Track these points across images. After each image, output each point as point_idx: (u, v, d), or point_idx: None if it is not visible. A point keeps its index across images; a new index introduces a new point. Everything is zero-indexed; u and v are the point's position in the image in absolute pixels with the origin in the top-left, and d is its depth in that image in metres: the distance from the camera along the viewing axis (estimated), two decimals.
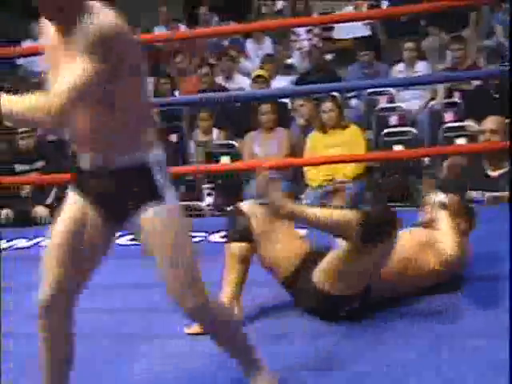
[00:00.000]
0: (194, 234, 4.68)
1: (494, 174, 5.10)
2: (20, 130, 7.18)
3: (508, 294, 3.34)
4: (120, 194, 2.66)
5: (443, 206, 3.69)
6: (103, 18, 2.48)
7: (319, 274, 3.40)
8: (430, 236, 3.61)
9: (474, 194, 4.96)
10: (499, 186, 4.97)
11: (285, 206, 3.26)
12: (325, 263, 3.38)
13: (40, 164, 7.07)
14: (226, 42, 10.68)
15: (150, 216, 2.64)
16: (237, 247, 3.59)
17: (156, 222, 2.66)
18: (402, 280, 3.51)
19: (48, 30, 2.67)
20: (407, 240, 3.55)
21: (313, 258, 3.48)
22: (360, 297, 3.43)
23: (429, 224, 3.70)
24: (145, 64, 2.71)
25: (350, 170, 6.43)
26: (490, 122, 5.28)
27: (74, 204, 2.82)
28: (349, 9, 10.72)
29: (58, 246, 2.78)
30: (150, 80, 9.81)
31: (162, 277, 2.71)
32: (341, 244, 3.35)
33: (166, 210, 2.67)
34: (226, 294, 3.58)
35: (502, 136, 5.05)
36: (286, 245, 3.55)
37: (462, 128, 7.02)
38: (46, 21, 2.63)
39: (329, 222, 3.25)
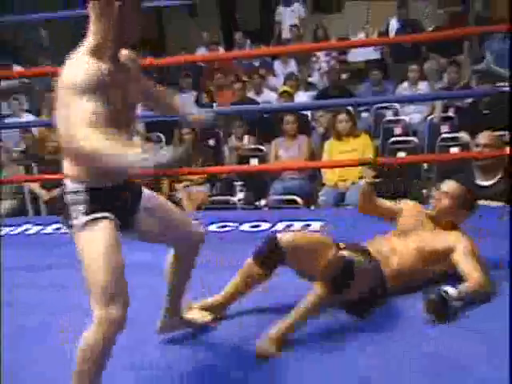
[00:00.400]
0: (225, 224, 4.74)
1: (485, 183, 5.04)
2: None
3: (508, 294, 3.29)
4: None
5: (452, 194, 3.51)
6: None
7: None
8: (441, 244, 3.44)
9: None
10: (490, 195, 4.89)
11: None
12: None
13: None
14: (256, 63, 10.69)
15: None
16: (253, 268, 3.32)
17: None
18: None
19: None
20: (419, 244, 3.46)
21: None
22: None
23: (439, 213, 3.54)
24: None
25: (361, 172, 6.43)
26: (483, 137, 5.24)
27: None
28: (361, 36, 10.71)
29: None
30: (193, 93, 9.89)
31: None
32: None
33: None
34: (216, 297, 3.41)
35: (494, 149, 4.98)
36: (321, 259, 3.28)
37: (455, 139, 7.04)
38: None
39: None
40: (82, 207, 2.63)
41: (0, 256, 4.10)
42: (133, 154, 2.31)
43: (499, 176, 5.00)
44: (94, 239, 2.63)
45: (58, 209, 2.75)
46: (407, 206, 3.58)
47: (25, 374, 3.08)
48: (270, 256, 3.27)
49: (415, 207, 3.69)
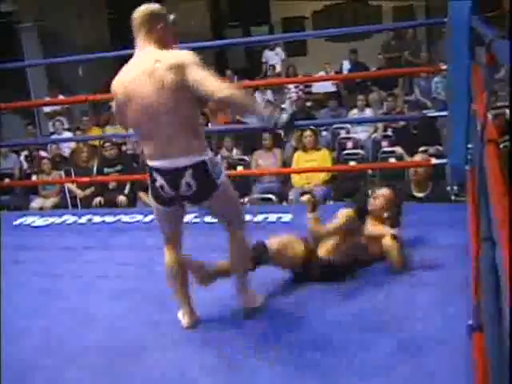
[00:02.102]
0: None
1: (419, 195, 5.01)
2: (106, 144, 7.20)
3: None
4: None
5: (383, 196, 3.56)
6: None
7: (324, 251, 3.32)
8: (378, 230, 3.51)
9: None
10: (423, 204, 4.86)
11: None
12: (327, 243, 3.33)
13: (119, 167, 7.06)
14: None
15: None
16: None
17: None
18: (367, 253, 3.46)
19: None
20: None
21: (314, 248, 3.35)
22: (352, 264, 3.37)
23: (375, 211, 3.56)
24: None
25: (321, 177, 6.43)
26: (418, 157, 5.23)
27: None
28: (322, 73, 10.71)
29: None
30: None
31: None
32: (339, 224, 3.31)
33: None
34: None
35: (427, 168, 4.94)
36: (297, 251, 3.30)
37: (392, 152, 7.04)
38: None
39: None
40: (221, 168, 2.72)
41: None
42: (261, 106, 2.58)
43: (430, 188, 4.97)
44: (230, 185, 2.79)
45: (198, 185, 2.61)
46: (342, 214, 3.50)
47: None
48: (259, 256, 3.18)
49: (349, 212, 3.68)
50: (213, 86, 2.45)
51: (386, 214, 3.55)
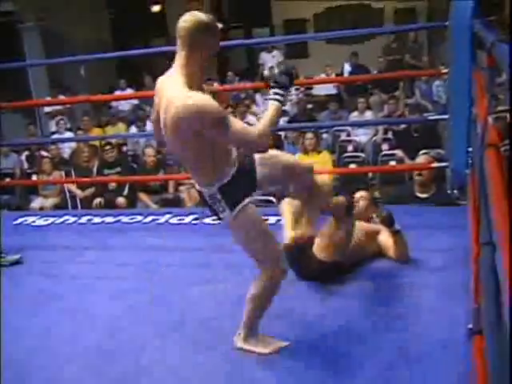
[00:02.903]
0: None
1: (423, 195, 5.01)
2: (106, 147, 7.21)
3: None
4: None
5: (363, 198, 3.71)
6: None
7: (318, 250, 3.30)
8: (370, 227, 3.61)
9: None
10: (426, 205, 4.84)
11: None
12: (321, 242, 3.30)
13: (119, 169, 7.07)
14: (242, 95, 10.65)
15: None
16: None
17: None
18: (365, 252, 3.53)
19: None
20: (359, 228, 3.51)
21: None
22: (345, 263, 3.38)
23: (360, 213, 3.62)
24: None
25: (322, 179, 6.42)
26: (421, 159, 5.23)
27: None
28: (323, 75, 10.72)
29: None
30: None
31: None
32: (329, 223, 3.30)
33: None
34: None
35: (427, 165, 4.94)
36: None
37: (393, 155, 7.04)
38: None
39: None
40: (223, 204, 2.49)
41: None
42: (270, 110, 2.42)
43: (434, 190, 4.98)
44: (247, 223, 2.54)
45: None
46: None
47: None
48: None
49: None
50: (244, 146, 2.44)
51: (371, 214, 3.67)
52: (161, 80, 2.48)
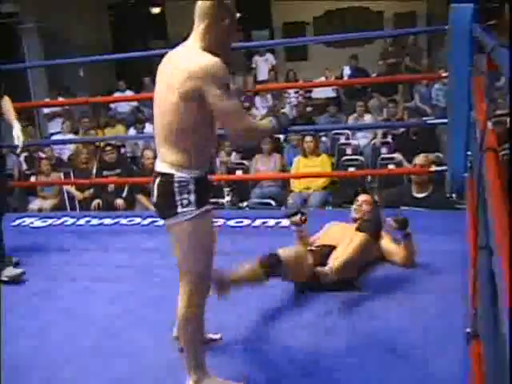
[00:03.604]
0: (217, 219, 4.70)
1: (420, 195, 5.03)
2: (107, 148, 7.21)
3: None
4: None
5: (366, 202, 3.72)
6: None
7: (337, 266, 3.19)
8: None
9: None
10: (424, 205, 4.88)
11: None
12: (339, 259, 3.22)
13: (118, 171, 7.07)
14: (242, 97, 10.66)
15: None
16: (258, 269, 3.02)
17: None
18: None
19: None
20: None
21: (318, 263, 3.25)
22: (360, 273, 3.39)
23: (363, 215, 3.68)
24: None
25: (321, 182, 6.42)
26: (418, 159, 5.24)
27: None
28: (322, 79, 10.73)
29: None
30: None
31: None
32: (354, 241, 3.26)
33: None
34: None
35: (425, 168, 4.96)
36: (309, 263, 3.23)
37: (392, 158, 7.05)
38: None
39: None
40: (192, 197, 2.27)
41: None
42: (266, 122, 2.43)
43: (430, 190, 5.00)
44: (202, 229, 2.33)
45: (158, 196, 2.33)
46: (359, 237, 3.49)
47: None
48: (273, 268, 3.05)
49: (338, 224, 3.76)
50: (229, 123, 2.30)
51: (370, 216, 3.63)
52: (169, 54, 2.43)
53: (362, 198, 3.71)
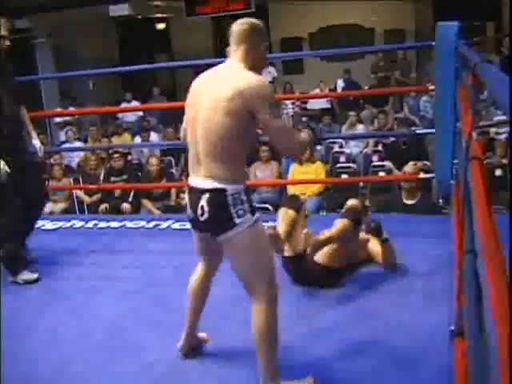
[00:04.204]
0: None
1: (409, 202, 5.03)
2: (115, 156, 7.21)
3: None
4: None
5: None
6: None
7: (322, 255, 3.27)
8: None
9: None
10: (414, 211, 4.87)
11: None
12: (325, 250, 3.26)
13: (124, 177, 7.07)
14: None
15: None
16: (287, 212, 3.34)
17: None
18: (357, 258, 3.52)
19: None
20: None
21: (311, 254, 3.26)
22: (346, 269, 3.39)
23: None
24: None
25: (316, 188, 6.42)
26: (408, 167, 5.25)
27: None
28: (317, 90, 10.75)
29: None
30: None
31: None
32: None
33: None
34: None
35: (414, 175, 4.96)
36: (299, 235, 3.32)
37: (382, 166, 7.05)
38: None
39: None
40: (245, 207, 2.22)
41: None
42: (306, 135, 2.50)
43: (419, 196, 5.00)
44: (261, 234, 2.32)
45: (210, 212, 2.22)
46: (341, 222, 3.48)
47: None
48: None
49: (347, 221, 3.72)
50: (282, 145, 2.31)
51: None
52: (205, 75, 2.40)
53: (350, 202, 3.68)
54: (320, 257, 3.29)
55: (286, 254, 3.33)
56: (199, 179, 2.27)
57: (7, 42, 3.62)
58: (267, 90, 2.22)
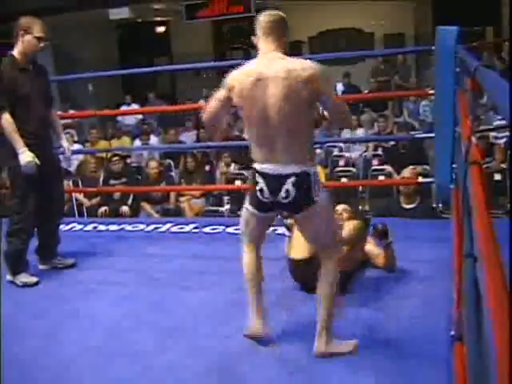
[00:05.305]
0: (216, 227, 4.71)
1: (407, 206, 5.04)
2: (114, 158, 7.20)
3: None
4: None
5: (345, 211, 3.62)
6: None
7: None
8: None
9: None
10: (412, 215, 4.87)
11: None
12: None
13: (124, 180, 7.06)
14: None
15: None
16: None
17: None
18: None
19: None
20: None
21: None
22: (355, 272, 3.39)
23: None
24: None
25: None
26: (406, 172, 5.27)
27: None
28: None
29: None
30: (195, 132, 9.84)
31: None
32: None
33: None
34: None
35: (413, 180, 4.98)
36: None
37: (382, 170, 7.05)
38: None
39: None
40: (318, 184, 2.49)
41: None
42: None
43: (418, 201, 5.01)
44: (331, 207, 2.73)
45: (296, 193, 2.43)
46: (352, 225, 3.47)
47: None
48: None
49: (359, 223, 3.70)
50: (341, 119, 2.60)
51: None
52: (250, 69, 2.50)
53: (341, 207, 3.65)
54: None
55: (294, 255, 3.28)
56: (278, 165, 2.45)
57: (42, 44, 3.65)
58: (326, 72, 2.46)
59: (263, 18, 2.52)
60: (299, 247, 3.23)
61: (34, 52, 3.68)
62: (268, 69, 2.43)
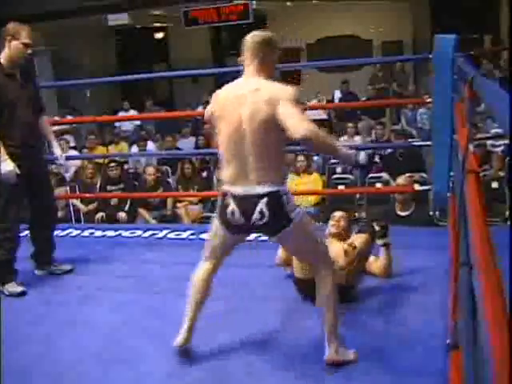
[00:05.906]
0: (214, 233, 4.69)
1: (402, 213, 5.04)
2: (111, 164, 7.19)
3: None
4: None
5: (343, 218, 3.55)
6: None
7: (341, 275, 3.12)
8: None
9: None
10: (406, 222, 4.87)
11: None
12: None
13: (121, 186, 7.06)
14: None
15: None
16: None
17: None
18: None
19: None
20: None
21: None
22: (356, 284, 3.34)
23: (340, 230, 3.51)
24: None
25: (312, 199, 6.44)
26: (401, 179, 5.28)
27: None
28: (315, 101, 10.78)
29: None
30: (192, 138, 9.84)
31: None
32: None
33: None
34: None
35: (410, 187, 4.98)
36: None
37: (379, 177, 7.07)
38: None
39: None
40: (293, 201, 2.47)
41: None
42: (337, 143, 2.60)
43: (413, 208, 5.01)
44: (310, 223, 2.60)
45: (270, 214, 2.41)
46: (360, 238, 3.44)
47: None
48: None
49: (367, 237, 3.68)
50: (293, 124, 2.31)
51: (348, 231, 3.54)
52: (227, 91, 2.54)
53: (338, 214, 3.58)
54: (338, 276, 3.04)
55: (298, 275, 3.23)
56: (249, 186, 2.43)
57: (29, 50, 3.61)
58: (293, 91, 2.40)
59: (250, 39, 2.54)
60: (302, 264, 3.18)
61: (21, 58, 3.62)
62: (241, 89, 2.48)
